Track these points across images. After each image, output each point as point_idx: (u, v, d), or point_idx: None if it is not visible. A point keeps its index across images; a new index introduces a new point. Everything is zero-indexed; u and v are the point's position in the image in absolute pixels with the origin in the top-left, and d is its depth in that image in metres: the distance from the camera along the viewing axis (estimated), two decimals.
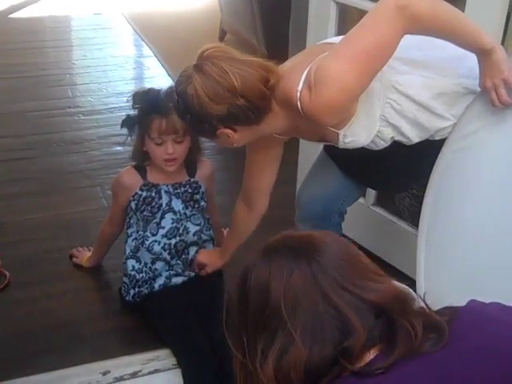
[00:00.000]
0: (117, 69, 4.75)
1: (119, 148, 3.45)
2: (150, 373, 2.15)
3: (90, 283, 2.59)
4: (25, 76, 4.45)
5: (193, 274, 2.42)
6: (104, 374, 2.12)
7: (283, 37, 3.68)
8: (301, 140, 2.62)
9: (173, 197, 2.35)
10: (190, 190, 2.38)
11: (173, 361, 2.16)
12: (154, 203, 2.33)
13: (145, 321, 2.32)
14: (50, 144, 3.58)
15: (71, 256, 2.65)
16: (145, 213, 2.34)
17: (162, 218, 2.34)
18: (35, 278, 2.56)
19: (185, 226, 2.37)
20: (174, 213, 2.35)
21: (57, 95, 4.19)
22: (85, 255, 2.62)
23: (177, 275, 2.39)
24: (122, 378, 2.14)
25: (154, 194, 2.34)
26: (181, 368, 2.14)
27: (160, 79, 4.40)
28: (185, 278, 2.40)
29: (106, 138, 3.64)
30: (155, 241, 2.34)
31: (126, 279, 2.37)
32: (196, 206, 2.39)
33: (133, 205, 2.34)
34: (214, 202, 2.57)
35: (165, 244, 2.35)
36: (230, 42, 5.02)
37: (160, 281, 2.37)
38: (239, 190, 3.42)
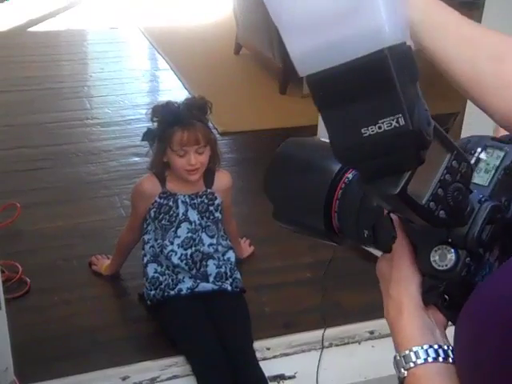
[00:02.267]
0: (133, 81, 4.80)
1: (136, 159, 3.48)
2: (168, 378, 2.17)
3: (108, 290, 2.62)
4: (43, 88, 4.49)
5: (216, 287, 2.38)
6: (123, 379, 2.14)
7: None
8: None
9: (189, 207, 2.38)
10: (205, 201, 2.41)
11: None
12: (171, 212, 2.36)
13: (162, 327, 2.34)
14: (69, 154, 3.62)
15: (90, 264, 2.68)
16: (163, 222, 2.36)
17: (178, 227, 2.37)
18: (54, 285, 2.59)
19: (200, 237, 2.38)
20: (190, 223, 2.38)
21: (75, 107, 4.24)
22: (104, 263, 2.65)
23: (203, 282, 2.37)
24: None
25: (171, 203, 2.36)
26: (195, 376, 2.15)
27: (176, 92, 4.43)
28: (215, 287, 2.37)
29: (124, 148, 3.68)
30: (172, 250, 2.36)
31: (146, 283, 2.38)
32: (211, 217, 2.41)
33: (152, 213, 2.37)
34: (231, 212, 2.58)
35: (181, 254, 2.36)
36: (245, 56, 5.07)
37: (187, 284, 2.35)
38: (257, 200, 3.43)
